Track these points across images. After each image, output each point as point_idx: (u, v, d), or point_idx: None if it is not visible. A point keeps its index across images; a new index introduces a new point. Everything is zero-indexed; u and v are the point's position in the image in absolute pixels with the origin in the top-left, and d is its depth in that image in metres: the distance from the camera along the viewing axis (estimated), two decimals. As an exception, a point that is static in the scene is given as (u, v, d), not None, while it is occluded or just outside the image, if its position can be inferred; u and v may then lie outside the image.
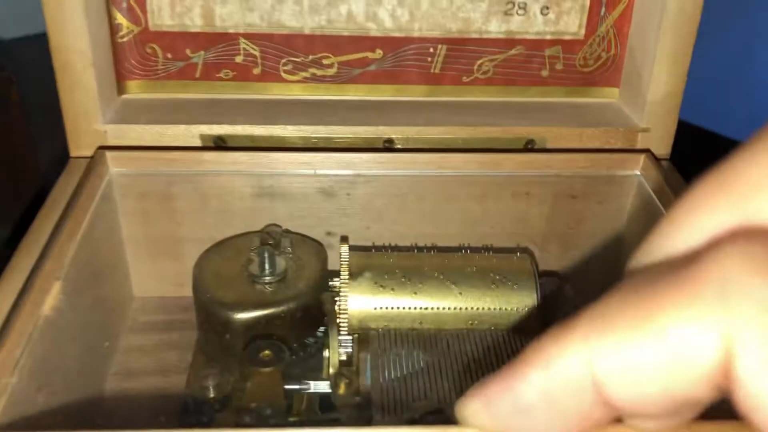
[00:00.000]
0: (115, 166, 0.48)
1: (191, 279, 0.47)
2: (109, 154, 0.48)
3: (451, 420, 0.37)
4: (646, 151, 0.52)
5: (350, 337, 0.45)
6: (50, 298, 0.38)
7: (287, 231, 0.50)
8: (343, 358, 0.43)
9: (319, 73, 0.55)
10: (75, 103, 0.49)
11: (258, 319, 0.43)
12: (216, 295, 0.44)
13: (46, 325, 0.37)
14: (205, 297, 0.44)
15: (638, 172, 0.51)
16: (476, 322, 0.46)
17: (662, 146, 0.53)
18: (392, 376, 0.42)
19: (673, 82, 0.52)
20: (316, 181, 0.50)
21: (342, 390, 0.41)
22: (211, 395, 0.43)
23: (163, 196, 0.49)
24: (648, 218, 0.50)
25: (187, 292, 0.49)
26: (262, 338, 0.43)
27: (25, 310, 0.36)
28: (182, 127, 0.51)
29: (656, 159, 0.51)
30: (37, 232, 0.42)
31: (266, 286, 0.45)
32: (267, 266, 0.45)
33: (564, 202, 0.52)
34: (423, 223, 0.52)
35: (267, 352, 0.41)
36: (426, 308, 0.46)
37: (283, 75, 0.55)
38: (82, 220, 0.44)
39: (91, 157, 0.48)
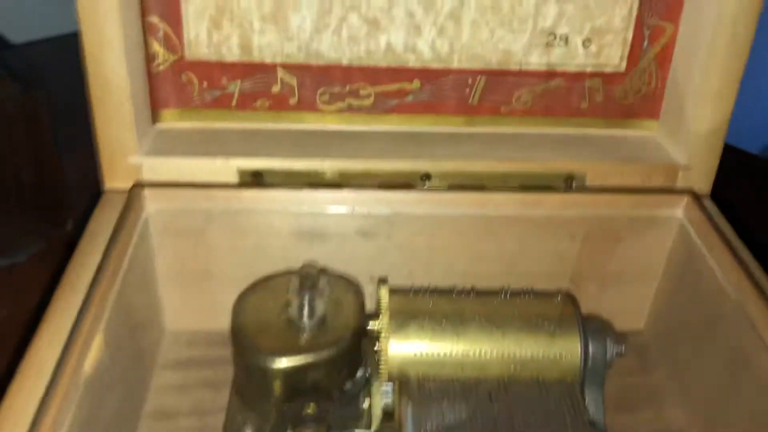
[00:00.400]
0: (152, 203, 0.48)
1: (224, 314, 0.47)
2: (146, 191, 0.47)
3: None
4: (689, 191, 0.51)
5: (390, 385, 0.44)
6: (92, 353, 0.37)
7: (323, 270, 0.49)
8: (385, 404, 0.43)
9: (355, 103, 0.54)
10: (111, 135, 0.48)
11: (297, 368, 0.42)
12: (255, 341, 0.43)
13: (89, 381, 0.36)
14: (243, 342, 0.43)
15: (680, 214, 0.50)
16: (519, 367, 0.45)
17: (704, 183, 0.53)
18: (434, 429, 0.41)
19: (717, 118, 0.51)
20: (354, 221, 0.49)
21: (385, 445, 0.40)
22: (250, 441, 0.43)
23: (199, 232, 0.49)
24: (689, 259, 0.49)
25: (220, 326, 0.48)
26: (304, 391, 0.42)
27: (68, 367, 0.35)
28: (219, 161, 0.50)
29: (698, 198, 0.50)
30: (74, 274, 0.42)
31: (305, 332, 0.44)
32: (306, 310, 0.45)
33: (604, 242, 0.51)
34: (462, 263, 0.51)
35: (310, 411, 0.40)
36: (467, 353, 0.45)
37: (320, 105, 0.54)
38: (121, 262, 0.43)
39: (129, 191, 0.48)
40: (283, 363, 0.43)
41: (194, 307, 0.52)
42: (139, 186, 0.48)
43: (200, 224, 0.48)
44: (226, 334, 0.46)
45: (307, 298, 0.45)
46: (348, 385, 0.45)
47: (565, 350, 0.45)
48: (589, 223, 0.50)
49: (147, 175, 0.49)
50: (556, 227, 0.50)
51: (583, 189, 0.51)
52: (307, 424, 0.40)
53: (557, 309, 0.47)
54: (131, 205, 0.47)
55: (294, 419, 0.40)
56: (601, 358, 0.46)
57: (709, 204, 0.51)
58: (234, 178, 0.50)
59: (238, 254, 0.50)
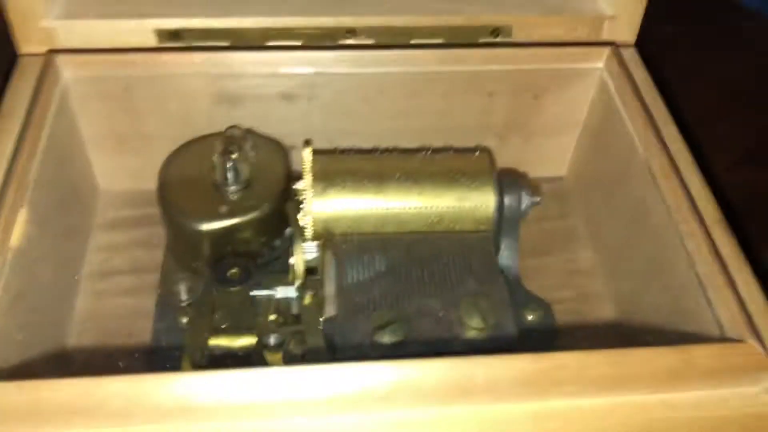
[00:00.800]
0: (68, 70, 0.47)
1: (155, 173, 0.48)
2: (60, 58, 0.47)
3: (407, 330, 0.41)
4: (611, 44, 0.51)
5: (314, 244, 0.46)
6: (18, 227, 0.39)
7: (249, 131, 0.50)
8: (308, 261, 0.45)
9: (276, -46, 0.52)
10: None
11: (224, 230, 0.44)
12: (181, 207, 0.45)
13: (16, 256, 0.38)
14: (171, 208, 0.45)
15: (601, 66, 0.51)
16: (437, 220, 0.47)
17: (629, 33, 0.52)
18: (355, 282, 0.44)
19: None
20: (277, 83, 0.49)
21: (307, 300, 0.43)
22: (184, 298, 0.46)
23: (120, 98, 0.49)
24: (607, 112, 0.50)
25: (152, 185, 0.49)
26: (229, 253, 0.45)
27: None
28: (134, 22, 0.49)
29: (619, 51, 0.50)
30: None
31: (231, 194, 0.46)
32: (231, 175, 0.46)
33: (528, 96, 0.52)
34: (387, 122, 0.52)
35: (234, 270, 0.43)
36: (388, 209, 0.47)
37: (239, -43, 0.52)
38: (40, 132, 0.44)
39: (43, 58, 0.47)
40: (208, 226, 0.44)
41: (125, 167, 0.53)
42: (53, 52, 0.47)
43: (120, 90, 0.48)
44: (153, 192, 0.47)
45: (231, 161, 0.46)
46: (276, 243, 0.47)
47: (480, 202, 0.47)
48: (512, 78, 0.51)
49: (62, 39, 0.48)
50: (480, 83, 0.51)
51: (506, 44, 0.51)
52: (233, 282, 0.42)
53: (473, 164, 0.48)
54: (47, 72, 0.46)
55: (221, 278, 0.43)
56: (515, 208, 0.49)
57: (631, 55, 0.51)
58: (152, 40, 0.49)
59: (163, 117, 0.50)
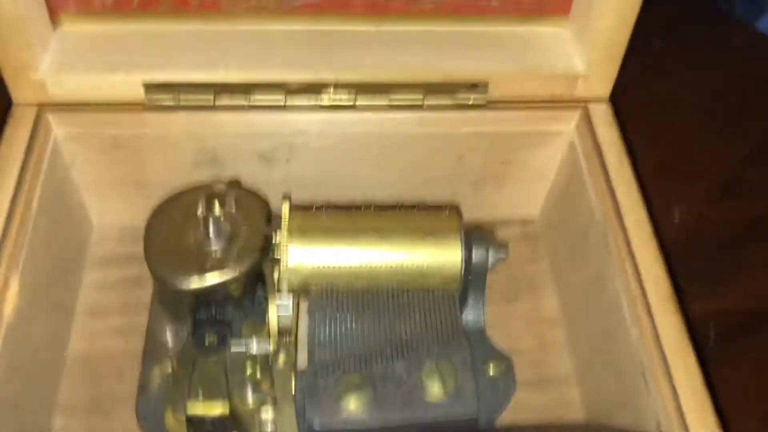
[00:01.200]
0: (59, 126, 0.49)
1: (145, 212, 0.50)
2: (51, 115, 0.49)
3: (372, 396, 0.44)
4: (583, 105, 0.52)
5: (290, 300, 0.49)
6: (10, 299, 0.42)
7: (233, 184, 0.52)
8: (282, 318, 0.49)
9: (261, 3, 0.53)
10: (10, 53, 0.48)
11: (205, 288, 0.47)
12: (164, 267, 0.48)
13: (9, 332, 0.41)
14: (155, 268, 0.48)
15: (571, 129, 0.52)
16: (407, 277, 0.50)
17: (603, 89, 0.54)
18: (326, 339, 0.47)
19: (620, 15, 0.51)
20: (257, 145, 0.51)
21: (281, 363, 0.46)
22: (169, 345, 0.49)
23: (109, 152, 0.51)
24: (574, 173, 0.52)
25: (142, 223, 0.52)
26: (213, 302, 0.48)
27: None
28: (122, 75, 0.50)
29: (588, 115, 0.52)
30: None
31: (212, 252, 0.48)
32: (212, 231, 0.48)
33: (502, 153, 0.54)
34: (364, 175, 0.54)
35: (211, 338, 0.46)
36: (360, 265, 0.50)
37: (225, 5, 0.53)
38: (36, 183, 0.47)
39: (36, 113, 0.49)
40: (189, 284, 0.47)
41: (117, 208, 0.56)
42: (44, 106, 0.49)
43: (108, 146, 0.50)
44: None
45: (213, 219, 0.48)
46: (259, 296, 0.51)
47: (447, 260, 0.50)
48: (484, 140, 0.53)
49: (51, 92, 0.50)
50: (453, 144, 0.53)
51: (479, 106, 0.52)
52: (210, 351, 0.45)
53: (442, 223, 0.51)
54: (38, 126, 0.48)
55: (200, 346, 0.46)
56: (482, 264, 0.51)
57: (603, 113, 0.53)
58: (139, 92, 0.51)
59: (151, 169, 0.52)
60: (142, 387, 0.48)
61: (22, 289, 0.43)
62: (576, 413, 0.51)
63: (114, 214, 0.56)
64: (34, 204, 0.46)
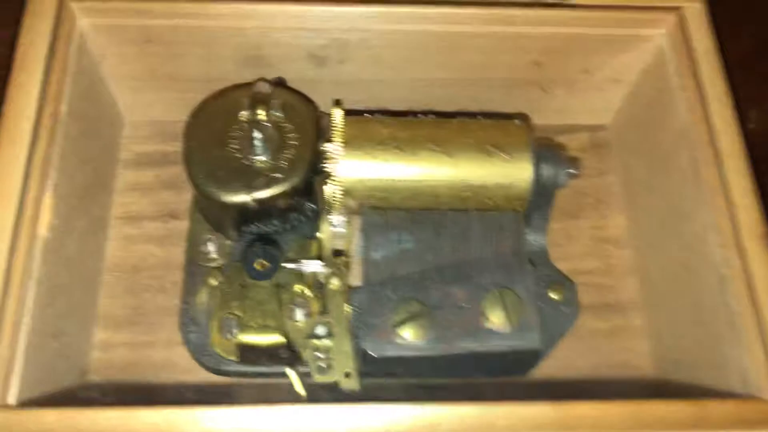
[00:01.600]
0: (83, 17, 0.43)
1: (180, 107, 0.46)
2: (74, 4, 0.43)
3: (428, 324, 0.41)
4: (676, 9, 0.46)
5: (343, 216, 0.46)
6: (44, 213, 0.39)
7: (279, 83, 0.47)
8: (335, 234, 0.45)
9: None
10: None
11: (249, 202, 0.43)
12: (207, 179, 0.43)
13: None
14: (197, 180, 0.43)
15: (661, 35, 0.46)
16: (470, 194, 0.46)
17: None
18: (381, 259, 0.44)
19: None
20: (306, 41, 0.45)
21: (334, 285, 0.43)
22: (212, 257, 0.46)
23: (140, 46, 0.45)
24: (661, 79, 0.46)
25: (177, 117, 0.48)
26: (260, 218, 0.44)
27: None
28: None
29: (684, 16, 0.45)
30: (15, 106, 0.40)
31: (259, 163, 0.44)
32: (259, 141, 0.44)
33: (577, 56, 0.48)
34: (422, 78, 0.48)
35: (261, 261, 0.42)
36: (419, 179, 0.46)
37: None
38: (63, 81, 0.42)
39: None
40: (235, 198, 0.43)
41: (150, 101, 0.51)
42: (66, -2, 0.43)
43: (139, 40, 0.45)
44: (178, 125, 0.46)
45: (259, 128, 0.44)
46: (306, 211, 0.47)
47: (516, 178, 0.46)
48: (565, 41, 0.46)
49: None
50: (525, 44, 0.46)
51: (558, 5, 0.46)
52: (260, 275, 0.42)
53: (510, 135, 0.46)
54: (62, 18, 0.43)
55: (249, 270, 0.43)
56: (551, 181, 0.47)
57: (698, 16, 0.46)
58: (173, -22, 0.45)
59: (186, 65, 0.47)
60: (186, 301, 0.46)
61: (56, 202, 0.40)
62: (640, 344, 0.48)
63: (147, 108, 0.51)
64: (63, 107, 0.41)
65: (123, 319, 0.47)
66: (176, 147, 0.51)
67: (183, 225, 0.49)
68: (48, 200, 0.39)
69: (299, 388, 0.42)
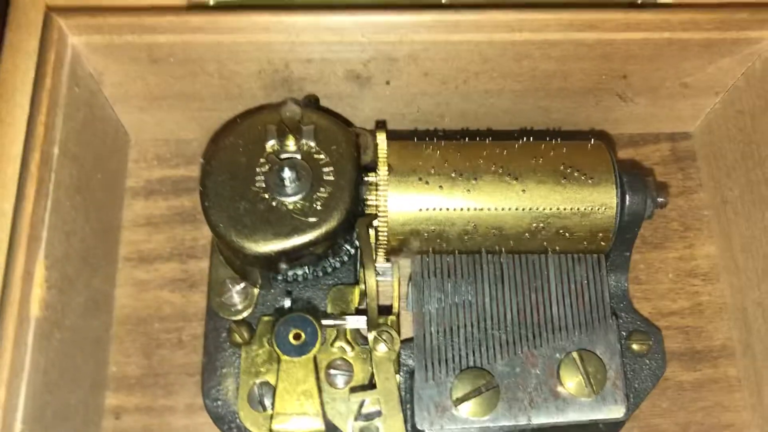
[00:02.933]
0: (74, 34, 0.36)
1: (189, 126, 0.39)
2: (62, 21, 0.35)
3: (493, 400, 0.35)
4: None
5: (389, 266, 0.39)
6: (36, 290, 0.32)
7: (310, 102, 0.39)
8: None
9: None
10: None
11: (279, 252, 0.37)
12: (228, 225, 0.36)
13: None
14: (215, 226, 0.36)
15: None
16: (543, 224, 0.39)
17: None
18: (435, 318, 0.37)
19: None
20: (344, 56, 0.37)
21: (381, 352, 0.36)
22: (238, 308, 0.40)
23: (143, 64, 0.38)
24: (763, 88, 0.39)
25: (186, 135, 0.42)
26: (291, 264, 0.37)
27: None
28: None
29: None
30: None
31: (289, 204, 0.37)
32: (288, 185, 0.37)
33: (666, 62, 0.40)
34: (479, 94, 0.41)
35: (298, 333, 0.35)
36: (481, 209, 0.38)
37: None
38: (56, 100, 0.35)
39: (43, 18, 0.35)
40: (259, 248, 0.37)
41: (158, 121, 0.44)
42: (52, 12, 0.35)
43: (144, 58, 0.37)
44: (193, 145, 0.40)
45: (287, 170, 0.36)
46: (342, 257, 0.40)
47: (598, 205, 0.38)
48: (651, 47, 0.38)
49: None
50: (611, 50, 0.38)
51: (650, 6, 0.37)
52: (296, 351, 0.35)
53: (589, 155, 0.38)
54: (48, 37, 0.35)
55: (283, 344, 0.36)
56: (639, 212, 0.39)
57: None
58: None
59: (200, 83, 0.40)
60: (208, 364, 0.40)
61: (50, 270, 0.33)
62: (736, 400, 0.41)
63: (156, 127, 0.44)
64: (55, 150, 0.34)
65: (137, 381, 0.41)
66: (191, 171, 0.45)
67: (203, 265, 0.43)
68: (40, 270, 0.32)
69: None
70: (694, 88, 0.42)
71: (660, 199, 0.39)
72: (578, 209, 0.38)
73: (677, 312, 0.43)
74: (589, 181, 0.38)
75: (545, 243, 0.39)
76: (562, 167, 0.39)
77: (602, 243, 0.39)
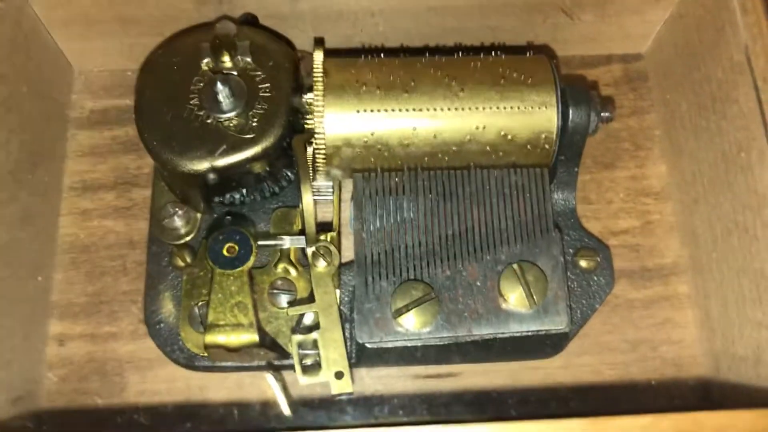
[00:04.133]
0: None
1: (133, 54, 0.39)
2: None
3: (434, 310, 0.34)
4: None
5: (329, 185, 0.38)
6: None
7: (248, 20, 0.39)
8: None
9: None
10: None
11: (214, 170, 0.36)
12: (163, 144, 0.36)
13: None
14: (152, 146, 0.36)
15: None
16: (483, 126, 0.38)
17: None
18: (377, 232, 0.37)
19: None
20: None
21: (321, 267, 0.36)
22: (180, 232, 0.39)
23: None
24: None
25: (131, 65, 0.41)
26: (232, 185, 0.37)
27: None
28: None
29: None
30: None
31: (226, 121, 0.37)
32: (224, 95, 0.36)
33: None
34: (425, 14, 0.40)
35: (232, 245, 0.35)
36: (420, 109, 0.38)
37: None
38: None
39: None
40: (197, 166, 0.36)
41: (100, 49, 0.43)
42: None
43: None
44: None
45: (224, 79, 0.36)
46: (281, 181, 0.39)
47: (539, 123, 0.37)
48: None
49: None
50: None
51: None
52: (231, 263, 0.35)
53: (532, 72, 0.38)
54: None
55: (217, 257, 0.35)
56: (581, 130, 0.39)
57: None
58: None
59: (135, 3, 0.39)
60: (150, 288, 0.39)
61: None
62: (685, 316, 0.41)
63: (99, 57, 0.44)
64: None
65: (81, 308, 0.40)
66: (129, 100, 0.44)
67: (147, 193, 0.42)
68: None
69: (284, 407, 0.36)
70: (642, 1, 0.41)
71: (604, 114, 0.39)
72: (519, 128, 0.38)
73: (628, 231, 0.43)
74: (528, 81, 0.38)
75: (488, 148, 0.38)
76: (504, 84, 0.38)
77: (543, 161, 0.39)
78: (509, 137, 0.38)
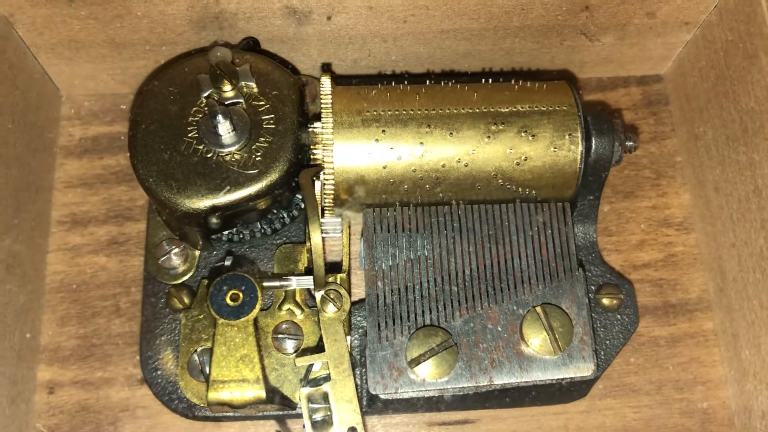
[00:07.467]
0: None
1: (123, 78, 0.36)
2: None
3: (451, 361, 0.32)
4: None
5: (337, 221, 0.36)
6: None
7: (249, 46, 0.36)
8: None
9: None
10: None
11: (214, 208, 0.33)
12: (159, 180, 0.33)
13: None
14: (145, 182, 0.33)
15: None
16: (502, 179, 0.36)
17: None
18: (394, 278, 0.34)
19: None
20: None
21: (330, 313, 0.33)
22: (177, 271, 0.37)
23: (61, 9, 0.35)
24: (736, 25, 0.36)
25: (122, 89, 0.39)
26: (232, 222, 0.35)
27: None
28: None
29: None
30: None
31: (225, 156, 0.34)
32: (222, 134, 0.34)
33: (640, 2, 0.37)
34: (438, 38, 0.37)
35: (236, 293, 0.32)
36: (438, 161, 0.35)
37: None
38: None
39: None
40: (195, 205, 0.33)
41: (89, 73, 0.40)
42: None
43: (61, -3, 0.34)
44: (129, 99, 0.38)
45: (221, 117, 0.33)
46: (284, 218, 0.37)
47: (561, 155, 0.35)
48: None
49: None
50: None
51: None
52: (234, 312, 0.32)
53: (553, 100, 0.36)
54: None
55: (219, 306, 0.32)
56: (605, 161, 0.36)
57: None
58: None
59: (127, 28, 0.36)
60: (146, 332, 0.37)
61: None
62: (712, 356, 0.39)
63: (87, 81, 0.41)
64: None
65: (71, 352, 0.38)
66: (127, 127, 0.41)
67: (141, 227, 0.40)
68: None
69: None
70: (664, 22, 0.39)
71: (629, 143, 0.37)
72: (540, 160, 0.35)
73: (650, 264, 0.40)
74: (552, 128, 0.36)
75: (509, 183, 0.36)
76: (524, 113, 0.36)
77: (565, 194, 0.36)
78: (530, 180, 0.36)
